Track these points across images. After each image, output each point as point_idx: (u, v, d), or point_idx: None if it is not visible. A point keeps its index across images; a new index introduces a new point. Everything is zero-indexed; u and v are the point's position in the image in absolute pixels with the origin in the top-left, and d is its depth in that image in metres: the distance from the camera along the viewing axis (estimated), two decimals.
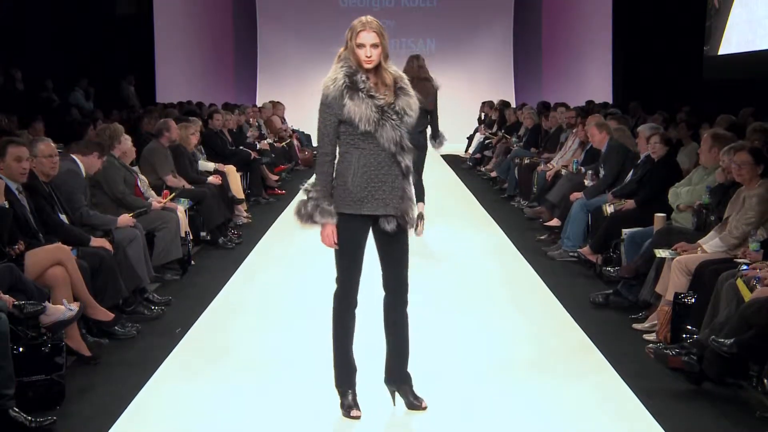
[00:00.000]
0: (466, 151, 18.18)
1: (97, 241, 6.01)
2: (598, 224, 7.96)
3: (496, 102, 18.12)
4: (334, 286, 4.51)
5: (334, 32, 23.30)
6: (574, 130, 10.96)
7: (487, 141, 16.25)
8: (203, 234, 8.79)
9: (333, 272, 4.76)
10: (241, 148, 12.26)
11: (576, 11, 20.16)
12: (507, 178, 12.88)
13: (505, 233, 9.66)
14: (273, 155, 13.85)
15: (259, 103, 19.44)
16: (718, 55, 13.77)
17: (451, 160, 17.62)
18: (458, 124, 19.98)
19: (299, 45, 23.09)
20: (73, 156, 6.74)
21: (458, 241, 9.37)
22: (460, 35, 23.06)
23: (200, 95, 18.34)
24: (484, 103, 19.32)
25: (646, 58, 15.96)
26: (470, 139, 18.49)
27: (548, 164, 10.90)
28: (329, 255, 8.04)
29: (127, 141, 7.65)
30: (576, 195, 8.63)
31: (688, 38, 14.63)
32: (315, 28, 23.13)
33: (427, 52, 22.46)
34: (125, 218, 6.76)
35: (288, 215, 10.92)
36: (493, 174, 14.02)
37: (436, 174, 15.33)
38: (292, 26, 23.19)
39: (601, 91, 17.39)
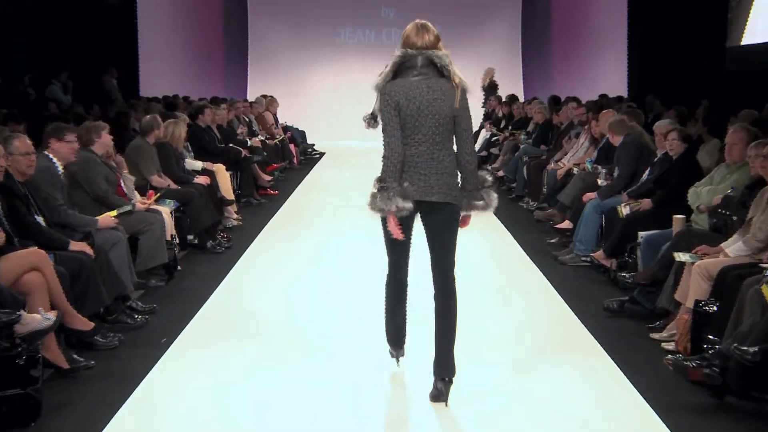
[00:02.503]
0: None
1: (76, 245, 5.98)
2: (612, 226, 7.95)
3: (503, 96, 18.08)
4: (341, 292, 4.49)
5: (328, 21, 23.28)
6: (585, 127, 10.96)
7: (493, 138, 16.23)
8: (190, 237, 8.78)
9: (326, 278, 4.77)
10: (230, 145, 12.25)
11: None
12: (515, 177, 12.87)
13: (513, 236, 9.65)
14: (265, 153, 13.84)
15: (250, 97, 19.38)
16: (741, 45, 13.74)
17: None
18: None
19: (292, 35, 23.00)
20: (47, 153, 6.69)
21: (462, 244, 9.33)
22: (464, 25, 22.98)
23: (187, 89, 18.29)
24: (490, 97, 19.30)
25: (663, 49, 15.91)
26: (475, 135, 18.49)
27: (559, 162, 10.88)
28: (324, 260, 7.98)
29: (106, 135, 7.61)
30: (589, 195, 8.62)
31: (708, 27, 14.58)
32: (308, 18, 23.06)
33: None
34: (107, 218, 6.74)
35: (281, 217, 10.91)
36: (500, 173, 14.00)
37: None
38: (284, 15, 23.10)
39: (616, 84, 17.35)
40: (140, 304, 6.63)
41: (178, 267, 7.88)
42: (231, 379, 5.23)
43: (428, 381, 4.88)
